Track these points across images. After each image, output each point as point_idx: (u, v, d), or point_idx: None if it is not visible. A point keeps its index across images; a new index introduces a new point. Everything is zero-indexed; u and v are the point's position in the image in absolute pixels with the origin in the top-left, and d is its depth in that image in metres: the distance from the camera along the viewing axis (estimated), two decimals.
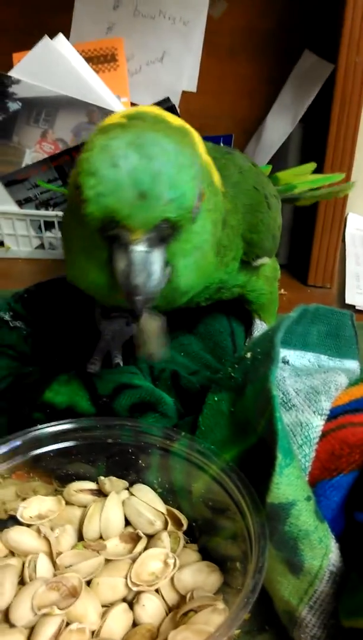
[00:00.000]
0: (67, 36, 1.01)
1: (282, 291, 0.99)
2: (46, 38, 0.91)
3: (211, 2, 1.02)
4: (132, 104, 1.06)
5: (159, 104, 1.00)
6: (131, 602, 0.47)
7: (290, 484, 0.42)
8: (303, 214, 1.01)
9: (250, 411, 0.49)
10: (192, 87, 1.09)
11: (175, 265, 0.50)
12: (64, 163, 1.00)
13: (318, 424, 0.48)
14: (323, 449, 0.47)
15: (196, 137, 0.52)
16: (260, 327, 0.78)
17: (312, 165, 0.90)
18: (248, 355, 0.52)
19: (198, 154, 0.49)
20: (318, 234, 1.02)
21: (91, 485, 0.54)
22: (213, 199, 0.54)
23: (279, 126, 1.02)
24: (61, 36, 0.93)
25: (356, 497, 0.44)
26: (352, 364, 0.60)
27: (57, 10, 1.03)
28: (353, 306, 0.98)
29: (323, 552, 0.43)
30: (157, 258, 0.47)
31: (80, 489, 0.54)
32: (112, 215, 0.45)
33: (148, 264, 0.46)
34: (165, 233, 0.47)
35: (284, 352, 0.58)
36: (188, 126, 0.51)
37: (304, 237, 1.04)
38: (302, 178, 0.88)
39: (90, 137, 0.48)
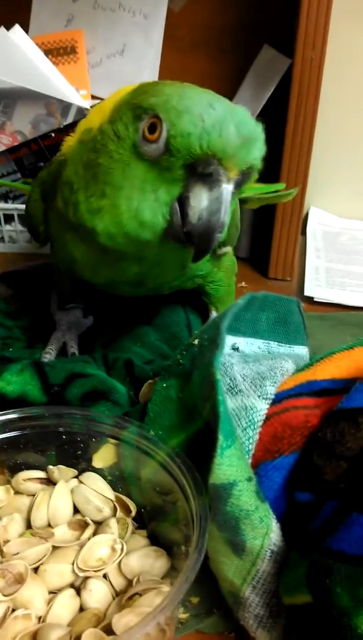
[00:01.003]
0: (27, 29, 1.00)
1: (243, 284, 1.00)
2: (2, 29, 0.90)
3: None
4: (93, 97, 1.06)
5: None
6: (78, 588, 0.47)
7: (231, 465, 0.42)
8: (263, 208, 1.02)
9: (196, 396, 0.50)
10: (153, 80, 1.09)
11: None
12: (23, 156, 0.99)
13: (262, 407, 0.48)
14: (266, 432, 0.47)
15: None
16: None
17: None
18: (196, 342, 0.53)
19: None
20: (278, 228, 1.03)
21: (40, 474, 0.54)
22: None
23: None
24: (17, 27, 0.92)
25: (296, 477, 0.45)
26: (302, 350, 0.61)
27: (16, 2, 1.02)
28: (312, 298, 0.99)
29: (264, 532, 0.43)
30: (232, 202, 0.47)
31: (28, 477, 0.54)
32: (214, 152, 0.45)
33: (230, 204, 0.47)
34: (244, 180, 0.48)
35: (234, 339, 0.58)
36: None
37: (264, 231, 1.06)
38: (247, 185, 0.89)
39: (144, 88, 0.49)
